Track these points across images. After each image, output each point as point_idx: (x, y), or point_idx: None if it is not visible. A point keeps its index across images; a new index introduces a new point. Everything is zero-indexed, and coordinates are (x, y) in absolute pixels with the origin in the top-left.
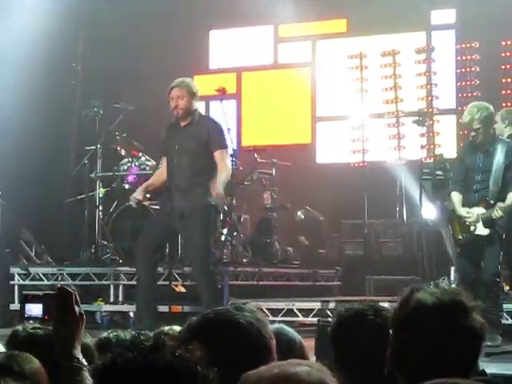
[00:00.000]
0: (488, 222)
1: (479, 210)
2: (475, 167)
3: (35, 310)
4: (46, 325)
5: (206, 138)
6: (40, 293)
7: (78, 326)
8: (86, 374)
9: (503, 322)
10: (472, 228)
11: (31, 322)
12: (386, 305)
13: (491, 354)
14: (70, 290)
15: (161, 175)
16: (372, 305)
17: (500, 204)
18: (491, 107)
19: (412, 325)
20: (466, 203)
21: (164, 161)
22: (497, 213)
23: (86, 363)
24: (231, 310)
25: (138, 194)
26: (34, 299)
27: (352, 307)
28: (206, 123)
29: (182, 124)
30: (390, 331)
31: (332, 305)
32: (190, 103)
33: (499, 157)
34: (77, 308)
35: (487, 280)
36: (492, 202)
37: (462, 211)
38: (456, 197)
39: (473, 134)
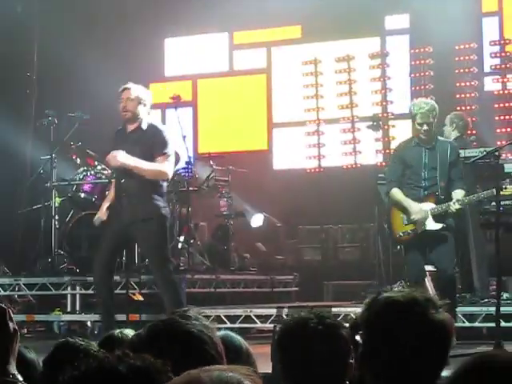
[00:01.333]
0: (440, 217)
1: (428, 206)
2: (421, 164)
3: None
4: None
5: (151, 144)
6: None
7: (12, 342)
8: None
9: (460, 324)
10: (422, 225)
11: None
12: (347, 309)
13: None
14: (2, 306)
15: None
16: (317, 313)
17: (458, 197)
18: None
19: (384, 322)
20: (414, 199)
21: None
22: (454, 205)
23: (21, 378)
24: (179, 320)
25: (102, 215)
26: None
27: (296, 315)
28: (153, 130)
29: (129, 129)
30: (345, 334)
31: (288, 311)
32: (138, 107)
33: (442, 154)
34: (11, 324)
35: (444, 281)
36: (442, 197)
37: (415, 205)
38: (399, 191)
39: (426, 128)
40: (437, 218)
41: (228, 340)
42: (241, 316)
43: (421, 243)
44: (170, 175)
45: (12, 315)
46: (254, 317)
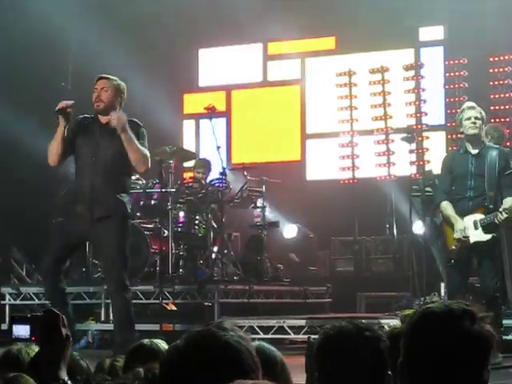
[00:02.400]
0: (490, 227)
1: (477, 217)
2: (467, 172)
3: (22, 331)
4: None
5: None
6: (28, 314)
7: (64, 348)
8: None
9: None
10: (469, 237)
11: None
12: (381, 321)
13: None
14: (56, 312)
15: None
16: (356, 323)
17: (504, 206)
18: None
19: (420, 332)
20: (460, 211)
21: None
22: (501, 215)
23: None
24: (216, 330)
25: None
26: (22, 320)
27: (336, 325)
28: (132, 126)
29: (104, 121)
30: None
31: (321, 322)
32: (113, 99)
33: (490, 161)
34: (63, 330)
35: (487, 295)
36: (491, 206)
37: (459, 223)
38: (449, 206)
39: (473, 120)
40: (486, 228)
41: (262, 351)
42: (274, 327)
43: (468, 256)
44: (149, 164)
45: (65, 321)
46: (287, 328)
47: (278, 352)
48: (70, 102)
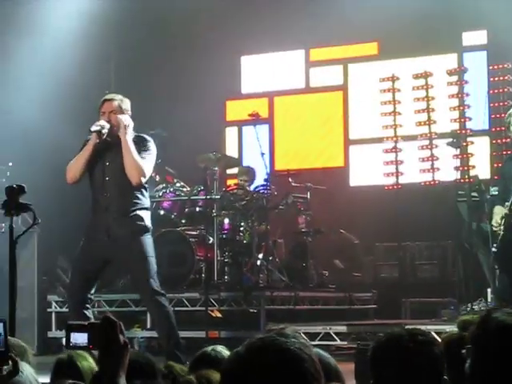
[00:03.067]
0: (504, 224)
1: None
2: (511, 178)
3: (80, 339)
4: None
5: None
6: (85, 322)
7: (122, 355)
8: None
9: None
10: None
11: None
12: (427, 327)
13: None
14: (114, 319)
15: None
16: (410, 330)
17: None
18: None
19: (495, 347)
20: None
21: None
22: (505, 210)
23: None
24: (277, 337)
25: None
26: (79, 328)
27: (390, 332)
28: (140, 141)
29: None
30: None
31: (368, 329)
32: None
33: None
34: (121, 337)
35: None
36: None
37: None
38: (497, 211)
39: None
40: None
41: (318, 357)
42: (320, 333)
43: (507, 259)
44: (147, 175)
45: (123, 328)
46: (333, 334)
47: (333, 359)
48: (107, 125)
